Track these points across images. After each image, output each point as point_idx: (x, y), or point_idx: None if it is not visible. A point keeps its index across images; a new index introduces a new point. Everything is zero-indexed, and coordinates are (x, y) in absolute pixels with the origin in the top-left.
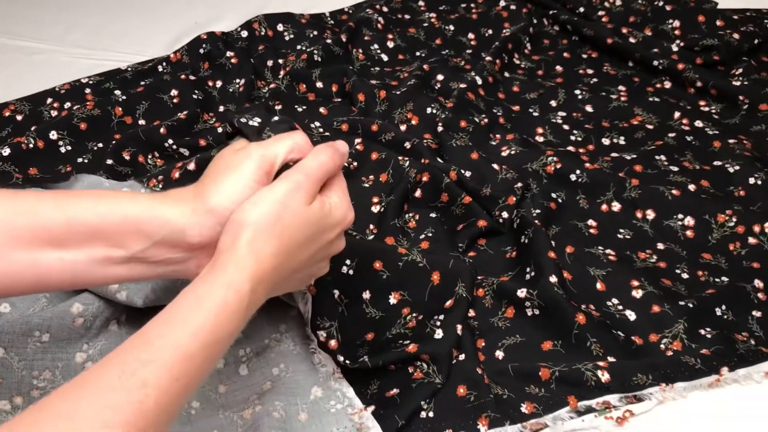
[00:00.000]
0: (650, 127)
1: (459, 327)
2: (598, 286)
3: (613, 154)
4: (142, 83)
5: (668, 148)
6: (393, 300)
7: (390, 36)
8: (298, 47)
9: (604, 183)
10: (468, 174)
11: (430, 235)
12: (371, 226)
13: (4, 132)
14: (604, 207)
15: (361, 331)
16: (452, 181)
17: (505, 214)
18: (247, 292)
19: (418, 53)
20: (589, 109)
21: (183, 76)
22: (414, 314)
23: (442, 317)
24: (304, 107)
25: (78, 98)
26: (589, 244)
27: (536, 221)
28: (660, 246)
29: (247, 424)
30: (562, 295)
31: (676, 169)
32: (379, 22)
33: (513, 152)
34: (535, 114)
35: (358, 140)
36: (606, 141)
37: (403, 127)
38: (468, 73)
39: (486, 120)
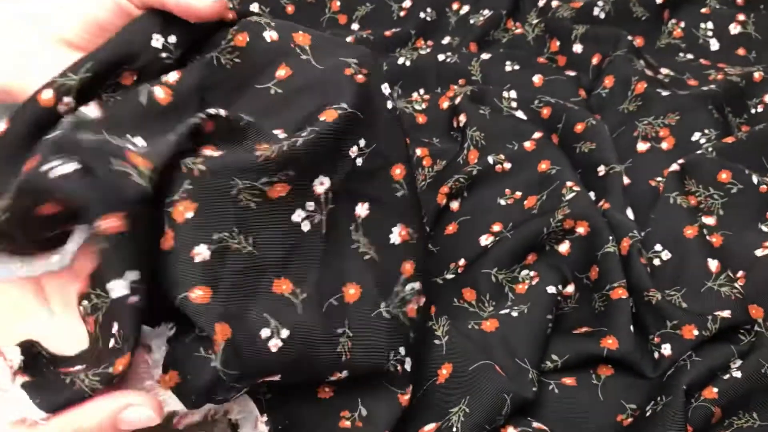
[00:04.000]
0: None
1: None
2: None
3: None
4: None
5: None
6: None
7: None
8: None
9: None
10: (661, 257)
11: None
12: (461, 261)
13: None
14: None
15: None
16: (616, 253)
17: (666, 350)
18: None
19: None
20: None
21: None
22: None
23: None
24: (516, 67)
25: None
26: None
27: (714, 404)
28: None
29: None
30: None
31: None
32: None
33: None
34: None
35: (538, 134)
36: None
37: (642, 146)
38: None
39: None
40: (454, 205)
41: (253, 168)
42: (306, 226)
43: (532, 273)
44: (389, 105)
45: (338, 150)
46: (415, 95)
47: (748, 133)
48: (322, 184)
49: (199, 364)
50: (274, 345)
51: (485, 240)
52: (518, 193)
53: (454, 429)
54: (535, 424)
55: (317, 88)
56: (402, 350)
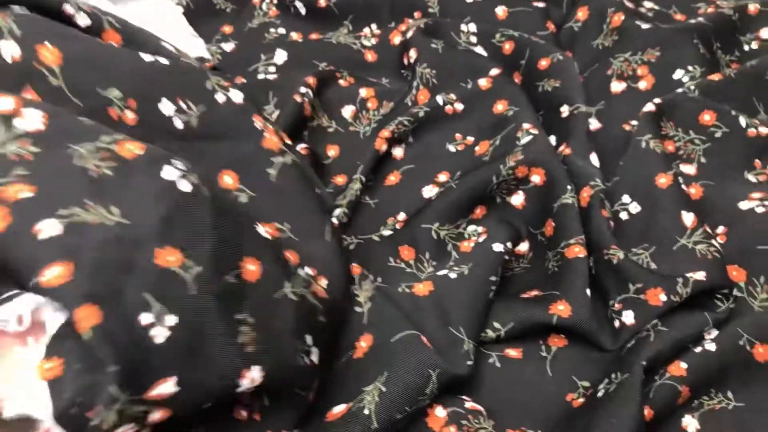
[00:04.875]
0: None
1: None
2: None
3: None
4: None
5: None
6: None
7: None
8: None
9: None
10: (629, 209)
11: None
12: (401, 216)
13: None
14: None
15: None
16: (575, 205)
17: (628, 318)
18: None
19: None
20: None
21: None
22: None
23: None
24: None
25: None
26: None
27: (681, 382)
28: None
29: None
30: None
31: None
32: None
33: (766, 210)
34: None
35: (495, 71)
36: None
37: (617, 86)
38: None
39: (764, 131)
40: (398, 152)
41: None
42: (185, 186)
43: (480, 229)
44: None
45: None
46: (365, 30)
47: (738, 70)
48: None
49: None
50: (159, 334)
51: (429, 191)
52: (470, 138)
53: (366, 411)
54: (469, 405)
55: None
56: (309, 339)
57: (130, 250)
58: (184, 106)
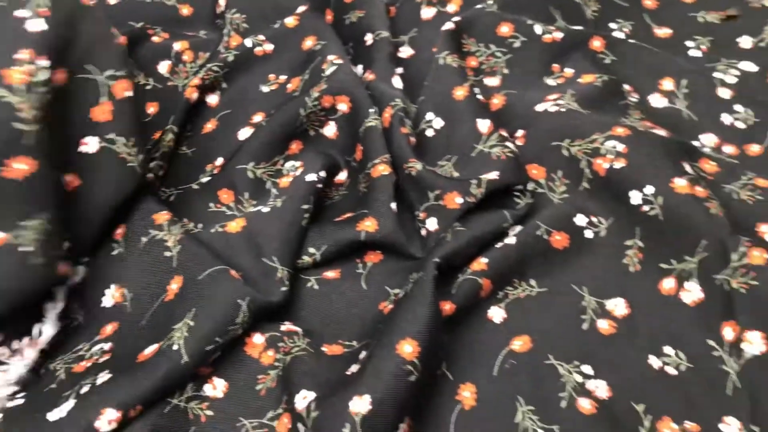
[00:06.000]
0: None
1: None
2: None
3: None
4: None
5: None
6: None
7: None
8: None
9: (690, 234)
10: (433, 125)
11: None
12: (218, 161)
13: None
14: (667, 284)
15: None
16: (378, 127)
17: (432, 224)
18: None
19: None
20: None
21: None
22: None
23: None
24: None
25: None
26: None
27: (482, 276)
28: None
29: None
30: None
31: None
32: None
33: (560, 109)
34: (695, 52)
35: (302, 8)
36: None
37: (427, 12)
38: None
39: (558, 36)
40: (213, 99)
41: None
42: None
43: (297, 163)
44: None
45: None
46: None
47: None
48: None
49: None
50: None
51: (245, 133)
52: (282, 77)
53: (175, 347)
54: (285, 328)
55: None
56: None
57: None
58: None
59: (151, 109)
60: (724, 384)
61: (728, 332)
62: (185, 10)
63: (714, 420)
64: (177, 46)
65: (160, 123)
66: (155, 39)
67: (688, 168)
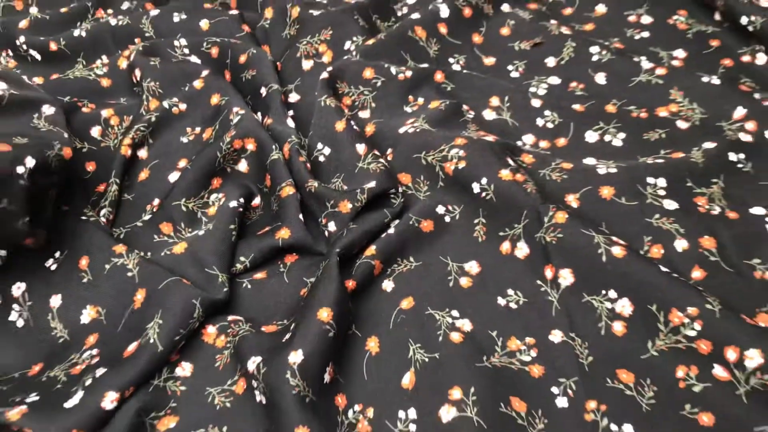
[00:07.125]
0: (684, 126)
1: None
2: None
3: (588, 161)
4: None
5: (699, 170)
6: (86, 317)
7: None
8: None
9: (516, 209)
10: (323, 153)
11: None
12: (155, 201)
13: None
14: (505, 246)
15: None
16: (281, 159)
17: (332, 226)
18: None
19: None
20: (600, 79)
21: None
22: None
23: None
24: (183, 17)
25: None
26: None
27: (373, 258)
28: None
29: None
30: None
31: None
32: None
33: (416, 130)
34: (514, 74)
35: (205, 72)
36: (592, 136)
37: (307, 64)
38: None
39: (409, 74)
40: (143, 153)
41: None
42: None
43: (220, 195)
44: None
45: None
46: (97, 62)
47: (387, 32)
48: None
49: None
50: None
51: (174, 176)
52: (198, 129)
53: (152, 340)
54: (231, 318)
55: None
56: None
57: None
58: None
59: (90, 167)
60: (550, 310)
61: (548, 273)
62: (105, 82)
63: (545, 334)
64: (104, 113)
65: (100, 177)
66: (84, 110)
67: (510, 162)
